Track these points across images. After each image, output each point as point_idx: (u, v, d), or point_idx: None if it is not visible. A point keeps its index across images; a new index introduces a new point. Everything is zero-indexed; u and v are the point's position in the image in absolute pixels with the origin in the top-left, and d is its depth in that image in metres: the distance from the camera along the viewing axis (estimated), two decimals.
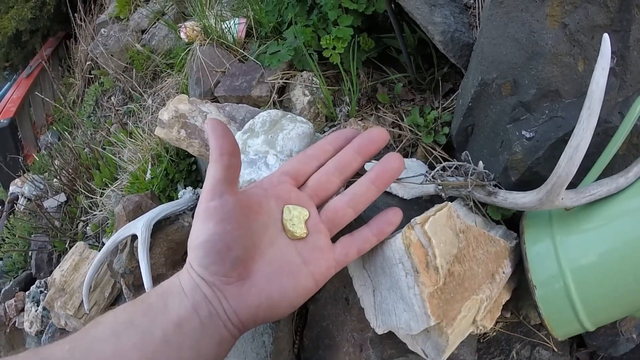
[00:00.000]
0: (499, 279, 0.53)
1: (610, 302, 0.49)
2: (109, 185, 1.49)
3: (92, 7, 2.65)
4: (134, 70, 1.83)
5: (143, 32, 1.98)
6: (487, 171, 0.57)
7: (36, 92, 2.94)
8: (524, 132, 0.54)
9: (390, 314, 0.51)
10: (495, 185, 0.57)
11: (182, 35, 1.29)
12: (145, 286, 0.93)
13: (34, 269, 1.75)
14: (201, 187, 1.05)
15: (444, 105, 0.76)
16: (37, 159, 2.40)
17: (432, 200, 0.60)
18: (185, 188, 1.14)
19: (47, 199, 1.90)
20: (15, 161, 2.43)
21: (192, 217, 1.00)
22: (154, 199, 1.11)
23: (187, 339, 0.38)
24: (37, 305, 1.54)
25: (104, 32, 2.09)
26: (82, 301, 1.20)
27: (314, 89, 0.88)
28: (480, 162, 0.56)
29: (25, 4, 2.95)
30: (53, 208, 1.82)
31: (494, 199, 0.54)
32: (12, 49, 3.25)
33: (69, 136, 2.04)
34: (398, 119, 0.79)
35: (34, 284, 1.60)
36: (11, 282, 1.79)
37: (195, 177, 1.20)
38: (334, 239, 0.47)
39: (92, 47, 2.13)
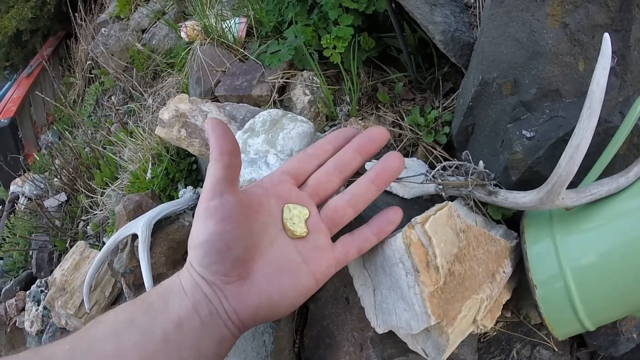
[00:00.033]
0: (500, 279, 0.53)
1: (610, 302, 0.49)
2: (110, 185, 1.49)
3: (93, 6, 2.65)
4: (134, 69, 1.83)
5: (143, 31, 1.98)
6: (487, 171, 0.57)
7: (37, 92, 2.94)
8: (524, 132, 0.54)
9: (391, 313, 0.51)
10: (495, 185, 0.57)
11: (183, 34, 1.29)
12: (146, 285, 0.93)
13: (34, 269, 1.75)
14: (201, 187, 1.05)
15: (444, 105, 0.76)
16: (38, 159, 2.40)
17: (432, 200, 0.60)
18: (185, 187, 1.14)
19: (48, 198, 1.90)
20: (15, 160, 2.44)
21: (193, 216, 1.00)
22: (154, 198, 1.11)
23: (188, 338, 0.38)
24: (38, 305, 1.54)
25: (105, 31, 2.09)
26: (83, 300, 1.20)
27: (315, 88, 0.88)
28: (481, 162, 0.56)
29: (25, 3, 2.95)
30: (54, 207, 1.82)
31: (495, 198, 0.54)
32: (13, 49, 3.26)
33: (69, 135, 2.04)
34: (398, 118, 0.79)
35: (34, 283, 1.60)
36: (12, 282, 1.79)
37: (195, 177, 1.20)
38: (334, 238, 0.47)
39: (92, 47, 2.13)
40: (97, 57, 2.05)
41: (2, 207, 2.37)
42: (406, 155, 0.75)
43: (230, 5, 1.27)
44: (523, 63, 0.52)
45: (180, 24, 1.46)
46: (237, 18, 1.12)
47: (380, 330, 0.53)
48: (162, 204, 1.04)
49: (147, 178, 1.24)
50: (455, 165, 0.58)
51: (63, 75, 3.03)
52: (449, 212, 0.50)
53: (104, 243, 1.39)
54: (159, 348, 0.36)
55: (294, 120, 0.68)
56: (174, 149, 1.19)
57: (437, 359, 0.50)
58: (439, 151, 0.71)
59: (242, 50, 1.07)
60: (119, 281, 1.07)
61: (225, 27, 1.11)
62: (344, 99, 0.86)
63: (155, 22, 1.91)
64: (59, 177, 1.84)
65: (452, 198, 0.59)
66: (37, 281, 1.59)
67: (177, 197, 1.12)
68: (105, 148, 1.68)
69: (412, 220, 0.48)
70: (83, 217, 1.66)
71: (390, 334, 0.54)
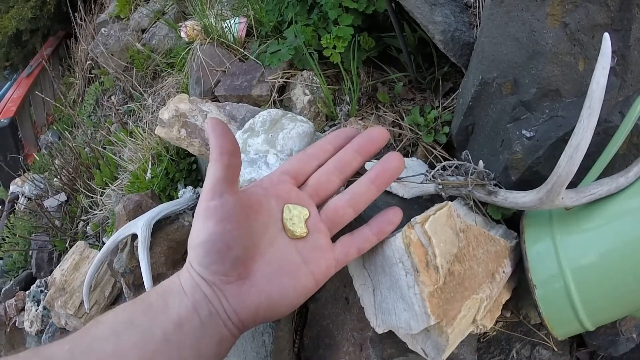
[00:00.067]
0: (499, 279, 0.53)
1: (610, 301, 0.49)
2: (109, 185, 1.49)
3: (93, 6, 2.65)
4: (134, 69, 1.83)
5: (143, 31, 1.98)
6: (487, 170, 0.57)
7: (36, 92, 2.94)
8: (524, 132, 0.54)
9: (390, 313, 0.51)
10: (495, 185, 0.57)
11: (183, 34, 1.29)
12: (146, 285, 0.93)
13: (34, 269, 1.75)
14: (201, 187, 1.05)
15: (444, 105, 0.76)
16: (38, 159, 2.40)
17: (432, 200, 0.60)
18: (185, 187, 1.14)
19: (48, 198, 1.90)
20: (15, 160, 2.43)
21: (192, 216, 1.00)
22: (154, 198, 1.11)
23: (188, 338, 0.38)
24: (38, 305, 1.54)
25: (105, 31, 2.09)
26: (83, 300, 1.20)
27: (314, 88, 0.88)
28: (481, 162, 0.56)
29: (25, 3, 2.95)
30: (53, 207, 1.82)
31: (494, 198, 0.54)
32: (13, 49, 3.26)
33: (69, 135, 2.04)
34: (398, 118, 0.79)
35: (34, 283, 1.60)
36: (11, 282, 1.79)
37: (195, 177, 1.20)
38: (334, 239, 0.47)
39: (92, 47, 2.13)
40: (97, 57, 2.05)
41: (2, 207, 2.37)
42: (406, 155, 0.75)
43: (230, 5, 1.27)
44: (523, 63, 0.52)
45: (180, 23, 1.46)
46: (237, 18, 1.12)
47: (379, 330, 0.53)
48: (162, 204, 1.04)
49: (146, 178, 1.24)
50: (455, 165, 0.58)
51: (63, 75, 3.03)
52: (449, 212, 0.50)
53: (103, 243, 1.39)
54: (159, 348, 0.36)
55: (294, 120, 0.68)
56: (174, 148, 1.19)
57: (437, 359, 0.50)
58: (439, 151, 0.71)
59: (242, 50, 1.07)
60: (119, 281, 1.07)
61: (225, 27, 1.11)
62: (343, 99, 0.86)
63: (155, 22, 1.91)
64: (58, 177, 1.84)
65: (451, 198, 0.59)
66: (37, 281, 1.59)
67: (177, 197, 1.12)
68: (105, 148, 1.68)
69: (412, 220, 0.48)
70: (83, 217, 1.66)
71: (390, 334, 0.54)
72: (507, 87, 0.55)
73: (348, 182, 0.48)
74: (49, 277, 1.41)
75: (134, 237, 0.99)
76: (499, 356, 0.67)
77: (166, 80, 1.59)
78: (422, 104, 0.80)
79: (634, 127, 0.47)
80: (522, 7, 0.51)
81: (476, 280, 0.50)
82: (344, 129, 0.50)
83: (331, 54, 0.82)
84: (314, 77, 0.88)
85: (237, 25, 1.11)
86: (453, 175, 0.58)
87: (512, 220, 0.60)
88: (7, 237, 1.97)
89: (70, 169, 1.79)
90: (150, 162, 1.26)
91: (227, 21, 1.13)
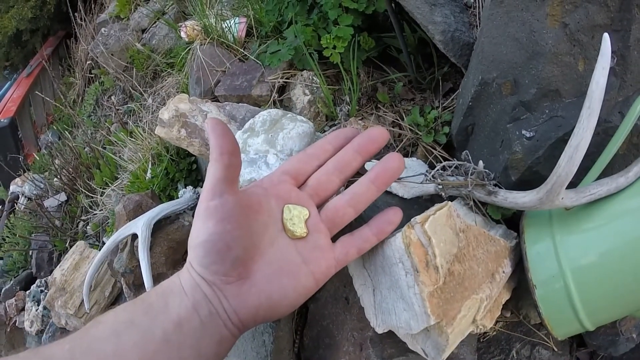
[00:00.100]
0: (499, 279, 0.53)
1: (610, 302, 0.49)
2: (110, 185, 1.49)
3: (93, 6, 2.65)
4: (134, 69, 1.83)
5: (143, 31, 1.98)
6: (487, 170, 0.57)
7: (36, 92, 2.94)
8: (524, 132, 0.54)
9: (390, 313, 0.51)
10: (495, 185, 0.57)
11: (183, 34, 1.29)
12: (146, 285, 0.93)
13: (34, 268, 1.75)
14: (201, 187, 1.05)
15: (444, 105, 0.76)
16: (38, 158, 2.40)
17: (432, 200, 0.60)
18: (185, 187, 1.14)
19: (48, 198, 1.90)
20: (15, 160, 2.43)
21: (193, 216, 1.00)
22: (154, 198, 1.11)
23: (188, 338, 0.38)
24: (38, 305, 1.54)
25: (105, 31, 2.09)
26: (83, 300, 1.20)
27: (314, 88, 0.88)
28: (481, 162, 0.56)
29: (25, 3, 2.95)
30: (53, 207, 1.82)
31: (494, 198, 0.54)
32: (13, 49, 3.25)
33: (69, 135, 2.04)
34: (398, 118, 0.79)
35: (34, 283, 1.60)
36: (12, 282, 1.79)
37: (195, 177, 1.20)
38: (334, 239, 0.47)
39: (92, 47, 2.13)
40: (97, 57, 2.05)
41: (2, 207, 2.37)
42: (406, 155, 0.75)
43: (230, 5, 1.27)
44: (523, 63, 0.52)
45: (180, 23, 1.46)
46: (237, 18, 1.12)
47: (379, 330, 0.53)
48: (162, 203, 1.04)
49: (147, 178, 1.24)
50: (454, 165, 0.58)
51: (63, 75, 3.03)
52: (449, 212, 0.50)
53: (103, 243, 1.39)
54: (159, 348, 0.36)
55: (294, 120, 0.68)
56: (174, 148, 1.19)
57: (437, 359, 0.50)
58: (439, 151, 0.71)
59: (242, 50, 1.07)
60: (119, 281, 1.07)
61: (225, 27, 1.11)
62: (343, 99, 0.86)
63: (155, 22, 1.91)
64: (58, 177, 1.84)
65: (451, 198, 0.59)
66: (37, 281, 1.59)
67: (177, 197, 1.12)
68: (105, 148, 1.68)
69: (412, 220, 0.48)
70: (83, 217, 1.66)
71: (390, 334, 0.54)
72: (507, 87, 0.55)
73: (348, 182, 0.48)
74: (49, 277, 1.41)
75: (134, 237, 0.99)
76: (499, 356, 0.67)
77: (166, 80, 1.59)
78: (422, 104, 0.80)
79: (634, 127, 0.47)
80: (522, 8, 0.51)
81: (476, 280, 0.50)
82: (343, 129, 0.50)
83: (331, 54, 0.82)
84: (314, 77, 0.88)
85: (237, 25, 1.11)
86: (453, 176, 0.58)
87: (512, 221, 0.60)
88: (7, 237, 1.97)
89: (70, 169, 1.79)
90: (150, 162, 1.26)
91: (227, 21, 1.13)
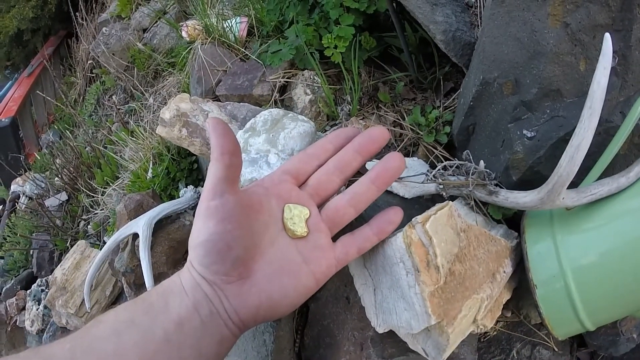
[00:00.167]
0: (500, 278, 0.53)
1: (610, 302, 0.49)
2: (110, 184, 1.49)
3: (94, 6, 2.65)
4: (135, 69, 1.83)
5: (144, 31, 1.98)
6: (488, 170, 0.57)
7: (37, 91, 2.94)
8: (525, 132, 0.54)
9: (391, 312, 0.51)
10: (496, 185, 0.57)
11: (184, 34, 1.29)
12: (147, 285, 0.93)
13: (35, 268, 1.75)
14: (202, 186, 1.05)
15: (445, 105, 0.76)
16: (39, 158, 2.40)
17: (433, 200, 0.60)
18: (186, 187, 1.14)
19: (49, 197, 1.90)
20: (16, 160, 2.44)
21: (193, 216, 1.00)
22: (155, 197, 1.11)
23: (188, 338, 0.38)
24: (39, 304, 1.54)
25: (106, 31, 2.09)
26: (84, 300, 1.20)
27: (316, 87, 0.88)
28: (482, 162, 0.56)
29: (26, 3, 2.95)
30: (54, 207, 1.82)
31: (495, 198, 0.54)
32: (14, 48, 3.26)
33: (70, 135, 2.04)
34: (399, 118, 0.79)
35: (35, 282, 1.60)
36: (12, 281, 1.79)
37: (196, 176, 1.21)
38: (335, 238, 0.47)
39: (93, 46, 2.13)
40: (98, 57, 2.05)
41: (3, 206, 2.37)
42: (407, 154, 0.75)
43: (231, 5, 1.27)
44: (524, 63, 0.52)
45: (181, 23, 1.46)
46: (238, 17, 1.12)
47: (380, 330, 0.53)
48: (163, 203, 1.04)
49: (148, 177, 1.24)
50: (456, 165, 0.58)
51: (64, 75, 3.03)
52: (450, 211, 0.50)
53: (104, 242, 1.39)
54: (160, 348, 0.36)
55: (295, 119, 0.68)
56: (175, 148, 1.19)
57: (438, 359, 0.50)
58: (440, 151, 0.71)
59: (243, 49, 1.07)
60: (120, 280, 1.07)
61: (227, 26, 1.11)
62: (345, 99, 0.86)
63: (157, 21, 1.91)
64: (59, 176, 1.84)
65: (452, 198, 0.59)
66: (38, 280, 1.60)
67: (178, 197, 1.12)
68: (106, 147, 1.68)
69: (413, 219, 0.48)
70: (84, 217, 1.66)
71: (391, 334, 0.54)
72: (508, 87, 0.55)
73: (349, 182, 0.48)
74: (50, 276, 1.41)
75: (135, 236, 0.99)
76: (500, 356, 0.67)
77: (167, 79, 1.59)
78: (423, 104, 0.80)
79: (635, 127, 0.47)
80: (523, 7, 0.51)
81: (477, 280, 0.50)
82: (344, 129, 0.50)
83: (332, 53, 0.82)
84: (315, 77, 0.88)
85: (238, 25, 1.11)
86: (454, 175, 0.58)
87: (513, 220, 0.60)
88: (8, 236, 1.97)
89: (71, 168, 1.79)
90: (151, 162, 1.26)
91: (229, 21, 1.13)
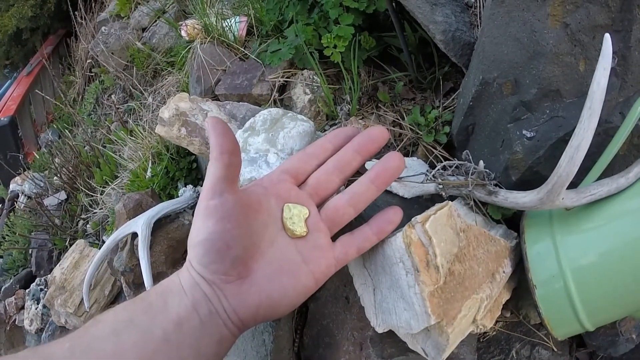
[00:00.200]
0: (499, 279, 0.53)
1: (610, 302, 0.49)
2: (110, 183, 1.49)
3: (93, 5, 2.64)
4: (134, 68, 1.83)
5: (144, 30, 1.98)
6: (487, 170, 0.57)
7: (36, 90, 2.94)
8: (524, 132, 0.54)
9: (391, 312, 0.51)
10: (495, 185, 0.57)
11: (183, 33, 1.29)
12: (146, 284, 0.93)
13: (34, 267, 1.75)
14: (201, 186, 1.05)
15: (444, 104, 0.76)
16: (38, 157, 2.40)
17: (432, 200, 0.60)
18: (185, 186, 1.14)
19: (48, 196, 1.90)
20: (15, 159, 2.43)
21: (193, 215, 1.00)
22: (154, 197, 1.11)
23: (187, 337, 0.38)
24: (37, 303, 1.54)
25: (105, 30, 2.09)
26: (82, 299, 1.20)
27: (315, 87, 0.88)
28: (481, 162, 0.56)
29: (25, 2, 2.95)
30: (53, 206, 1.82)
31: (495, 198, 0.54)
32: (13, 47, 3.25)
33: (69, 134, 2.04)
34: (399, 117, 0.79)
35: (34, 281, 1.60)
36: (11, 280, 1.79)
37: (195, 175, 1.20)
38: (334, 238, 0.47)
39: (92, 45, 2.13)
40: (97, 56, 2.04)
41: (2, 205, 2.37)
42: (406, 154, 0.75)
43: (230, 4, 1.27)
44: (524, 63, 0.52)
45: (180, 22, 1.46)
46: (238, 17, 1.12)
47: (380, 330, 0.53)
48: (162, 202, 1.04)
49: (147, 177, 1.24)
50: (455, 165, 0.58)
51: (63, 74, 3.02)
52: (449, 211, 0.50)
53: (103, 242, 1.39)
54: (159, 347, 0.36)
55: (295, 119, 0.68)
56: (174, 147, 1.19)
57: (437, 359, 0.50)
58: (439, 151, 0.71)
59: (242, 49, 1.07)
60: (119, 280, 1.07)
61: (226, 25, 1.11)
62: (344, 98, 0.86)
63: (156, 20, 1.91)
64: (58, 175, 1.84)
65: (452, 198, 0.59)
66: (37, 279, 1.60)
67: (177, 196, 1.12)
68: (105, 147, 1.68)
69: (413, 219, 0.48)
70: (83, 216, 1.66)
71: (390, 334, 0.54)
72: (507, 87, 0.55)
73: (348, 182, 0.48)
74: (49, 275, 1.41)
75: (134, 235, 0.99)
76: (499, 356, 0.67)
77: (166, 79, 1.59)
78: (422, 104, 0.80)
79: (635, 128, 0.47)
80: (523, 7, 0.51)
81: (476, 280, 0.50)
82: (344, 128, 0.50)
83: (332, 53, 0.82)
84: (315, 77, 0.88)
85: (237, 24, 1.10)
86: (453, 175, 0.58)
87: (513, 221, 0.60)
88: (7, 235, 1.97)
89: (70, 168, 1.79)
90: (150, 161, 1.26)
91: (228, 20, 1.13)
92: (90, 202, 1.60)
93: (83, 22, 2.50)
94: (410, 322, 0.48)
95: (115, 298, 1.31)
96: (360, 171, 0.49)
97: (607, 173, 0.49)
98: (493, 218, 0.60)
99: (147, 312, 0.38)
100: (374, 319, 0.55)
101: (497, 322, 0.65)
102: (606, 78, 0.42)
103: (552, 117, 0.52)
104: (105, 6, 2.60)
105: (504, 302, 0.58)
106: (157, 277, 0.95)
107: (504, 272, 0.54)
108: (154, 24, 1.91)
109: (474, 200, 0.58)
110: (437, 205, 0.51)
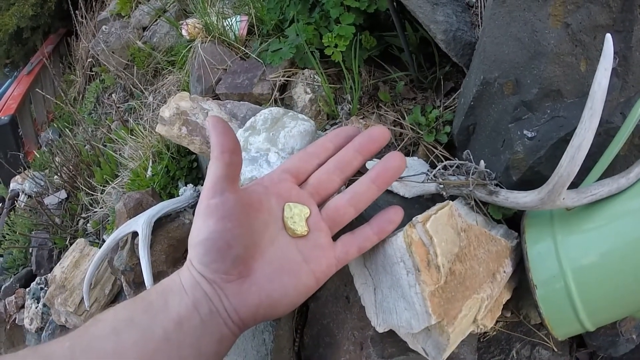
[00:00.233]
0: (500, 278, 0.53)
1: (610, 302, 0.49)
2: (110, 182, 1.49)
3: (94, 4, 2.65)
4: (135, 67, 1.83)
5: (144, 29, 1.98)
6: (488, 170, 0.57)
7: (37, 89, 2.94)
8: (525, 132, 0.54)
9: (391, 312, 0.51)
10: (496, 185, 0.57)
11: (184, 32, 1.29)
12: (146, 283, 0.93)
13: (34, 266, 1.75)
14: (202, 185, 1.05)
15: (445, 104, 0.76)
16: (38, 156, 2.40)
17: (433, 199, 0.60)
18: (186, 185, 1.14)
19: (48, 195, 1.90)
20: (16, 158, 2.43)
21: (193, 214, 1.00)
22: (154, 196, 1.11)
23: (188, 336, 0.38)
24: (38, 302, 1.54)
25: (105, 29, 2.09)
26: (83, 298, 1.20)
27: (316, 86, 0.88)
28: (482, 161, 0.56)
29: (26, 1, 2.95)
30: (54, 205, 1.82)
31: (495, 198, 0.54)
32: (13, 46, 3.25)
33: (69, 133, 2.04)
34: (399, 117, 0.79)
35: (34, 280, 1.60)
36: (11, 279, 1.79)
37: (196, 175, 1.20)
38: (335, 237, 0.47)
39: (93, 44, 2.13)
40: (98, 55, 2.05)
41: (2, 204, 2.37)
42: (407, 154, 0.75)
43: (231, 3, 1.27)
44: (525, 63, 0.52)
45: (181, 21, 1.46)
46: (239, 16, 1.12)
47: (380, 329, 0.53)
48: (163, 201, 1.04)
49: (147, 176, 1.24)
50: (456, 165, 0.58)
51: (63, 73, 3.02)
52: (450, 211, 0.50)
53: (104, 241, 1.39)
54: (159, 347, 0.36)
55: (295, 118, 0.68)
56: (175, 146, 1.19)
57: (438, 358, 0.50)
58: (440, 150, 0.71)
59: (243, 48, 1.07)
60: (119, 279, 1.07)
61: (227, 25, 1.11)
62: (345, 98, 0.86)
63: (156, 19, 1.91)
64: (59, 174, 1.84)
65: (452, 197, 0.59)
66: (37, 278, 1.60)
67: (178, 195, 1.12)
68: (105, 146, 1.68)
69: (413, 219, 0.48)
70: (83, 215, 1.66)
71: (391, 333, 0.54)
72: (508, 87, 0.55)
73: (349, 181, 0.48)
74: (49, 274, 1.41)
75: (135, 234, 0.99)
76: (499, 356, 0.67)
77: (167, 78, 1.59)
78: (423, 104, 0.80)
79: (635, 128, 0.47)
80: (524, 7, 0.51)
81: (477, 280, 0.50)
82: (344, 128, 0.50)
83: (333, 52, 0.82)
84: (316, 76, 0.88)
85: (238, 24, 1.10)
86: (454, 175, 0.58)
87: (513, 220, 0.60)
88: (7, 234, 1.97)
89: (70, 167, 1.79)
90: (150, 160, 1.26)
91: (229, 19, 1.13)
92: (91, 201, 1.60)
93: (84, 21, 2.50)
94: (411, 322, 0.48)
95: (116, 297, 1.31)
96: (361, 171, 0.49)
97: (608, 173, 0.49)
98: (494, 218, 0.60)
99: (147, 311, 0.38)
100: (374, 318, 0.55)
101: (497, 322, 0.65)
102: (607, 78, 0.42)
103: (553, 117, 0.52)
104: (105, 5, 2.60)
105: (504, 302, 0.58)
106: (157, 276, 0.95)
107: (504, 272, 0.54)
108: (155, 23, 1.91)
109: (475, 200, 0.58)
110: (438, 205, 0.51)
